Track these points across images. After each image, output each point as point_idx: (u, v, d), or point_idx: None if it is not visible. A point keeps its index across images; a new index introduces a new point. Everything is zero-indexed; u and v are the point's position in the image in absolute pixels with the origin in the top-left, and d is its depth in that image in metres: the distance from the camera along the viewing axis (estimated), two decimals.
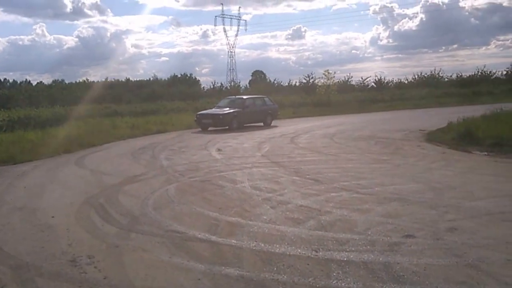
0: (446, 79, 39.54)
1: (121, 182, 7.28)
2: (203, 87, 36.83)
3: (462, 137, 10.60)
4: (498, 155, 8.78)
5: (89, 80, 35.41)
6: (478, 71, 40.30)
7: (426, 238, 4.17)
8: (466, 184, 6.45)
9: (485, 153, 9.15)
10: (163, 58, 74.09)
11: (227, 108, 17.21)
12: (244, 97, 19.10)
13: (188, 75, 37.64)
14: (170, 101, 27.19)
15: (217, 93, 32.40)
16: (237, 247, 4.10)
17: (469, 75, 40.16)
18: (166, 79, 36.05)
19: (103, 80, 34.52)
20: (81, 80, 36.12)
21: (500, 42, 76.99)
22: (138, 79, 36.04)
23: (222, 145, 11.89)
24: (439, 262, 3.60)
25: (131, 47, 75.39)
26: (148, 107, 24.35)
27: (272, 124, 18.14)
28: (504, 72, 40.55)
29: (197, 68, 78.66)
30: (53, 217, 5.31)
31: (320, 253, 3.88)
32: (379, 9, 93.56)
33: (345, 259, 3.72)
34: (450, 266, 3.51)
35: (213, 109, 17.76)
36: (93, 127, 15.40)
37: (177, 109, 24.56)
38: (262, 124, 18.00)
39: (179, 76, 36.93)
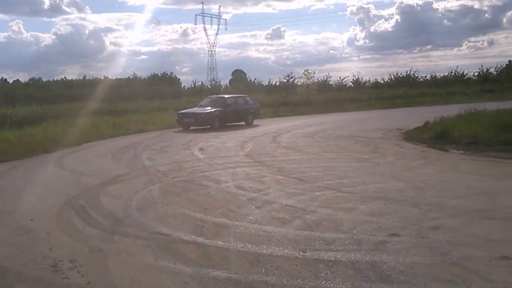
0: (421, 79, 40.54)
1: (102, 183, 7.13)
2: (184, 86, 36.59)
3: (439, 136, 10.85)
4: (474, 154, 9.01)
5: (67, 78, 34.64)
6: (451, 72, 41.64)
7: (411, 237, 4.22)
8: (446, 182, 6.58)
9: (462, 151, 9.38)
10: (143, 57, 72.86)
11: (209, 107, 17.12)
12: (226, 96, 19.11)
13: (169, 73, 37.27)
14: (150, 100, 26.84)
15: (198, 92, 32.18)
16: (224, 248, 4.06)
17: (443, 76, 41.46)
18: (146, 77, 35.55)
19: (82, 78, 33.81)
20: (58, 78, 35.23)
21: (472, 44, 79.52)
22: (117, 78, 35.37)
23: (205, 144, 11.81)
24: (425, 260, 3.65)
25: (110, 45, 73.97)
26: (128, 106, 23.98)
27: (253, 123, 18.14)
28: (476, 73, 42.01)
29: (177, 67, 78.11)
30: (32, 219, 5.13)
31: (308, 253, 3.88)
32: (356, 10, 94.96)
33: (333, 259, 3.73)
34: (436, 265, 3.56)
35: (195, 108, 17.62)
36: (72, 126, 15.04)
37: (158, 108, 24.30)
38: (244, 123, 17.97)
39: (159, 74, 36.50)
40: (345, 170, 7.68)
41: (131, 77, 35.20)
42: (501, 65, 41.00)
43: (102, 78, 33.74)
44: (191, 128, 16.36)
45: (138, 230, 4.67)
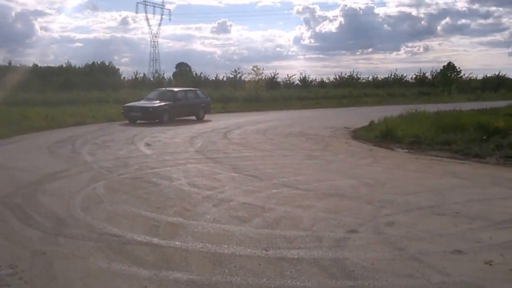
0: (363, 81, 42.44)
1: (39, 180, 6.55)
2: (124, 77, 34.86)
3: (384, 135, 11.35)
4: (417, 152, 9.50)
5: None
6: (391, 74, 44.02)
7: (369, 233, 4.30)
8: (394, 179, 6.83)
9: (406, 150, 9.86)
10: (77, 44, 68.59)
11: (158, 101, 16.44)
12: (176, 89, 18.37)
13: (107, 63, 35.27)
14: (88, 90, 25.35)
15: (140, 84, 30.98)
16: (182, 249, 3.86)
17: (383, 78, 43.65)
18: (82, 66, 33.29)
19: (6, 64, 30.81)
20: None
21: (409, 49, 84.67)
22: (48, 65, 32.82)
23: (151, 139, 11.34)
24: (384, 256, 3.72)
25: (40, 29, 68.61)
26: (62, 96, 22.47)
27: (204, 119, 17.78)
28: (414, 76, 44.77)
29: (115, 57, 74.62)
30: None
31: (271, 251, 3.80)
32: (302, 9, 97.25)
33: (296, 256, 3.68)
34: (395, 260, 3.64)
35: (142, 101, 16.78)
36: None
37: (96, 99, 23.12)
38: (194, 118, 17.54)
39: (97, 64, 34.42)
40: (299, 167, 7.73)
41: (64, 65, 32.78)
42: (435, 70, 43.91)
43: (31, 65, 31.10)
44: (137, 122, 15.67)
45: (85, 231, 4.31)
